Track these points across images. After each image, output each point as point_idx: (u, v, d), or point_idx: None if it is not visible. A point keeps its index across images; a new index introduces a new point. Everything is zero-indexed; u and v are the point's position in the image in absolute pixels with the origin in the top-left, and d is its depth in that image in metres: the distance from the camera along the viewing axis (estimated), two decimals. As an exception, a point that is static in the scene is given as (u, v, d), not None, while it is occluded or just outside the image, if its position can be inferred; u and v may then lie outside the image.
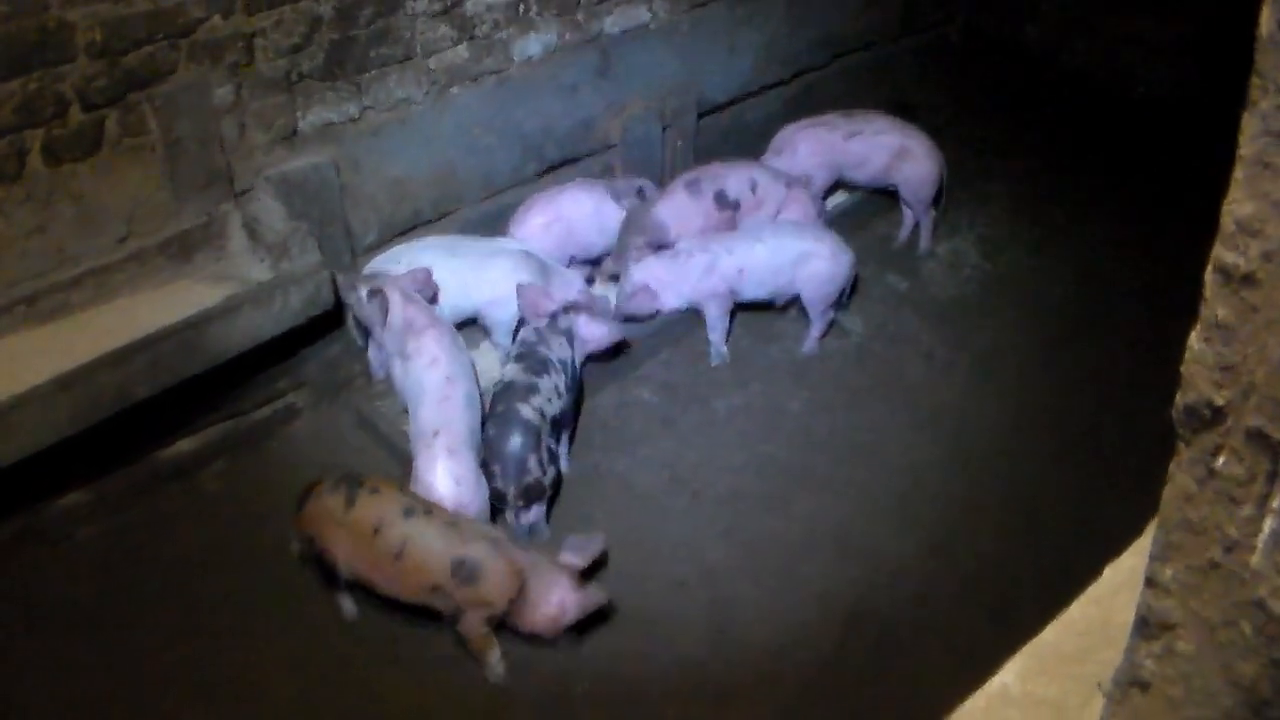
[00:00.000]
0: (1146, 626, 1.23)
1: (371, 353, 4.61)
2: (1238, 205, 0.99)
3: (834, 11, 6.09)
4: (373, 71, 4.35)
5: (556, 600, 3.55)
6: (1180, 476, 1.13)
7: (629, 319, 4.78)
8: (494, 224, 4.93)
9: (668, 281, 4.77)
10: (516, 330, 4.59)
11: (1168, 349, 1.14)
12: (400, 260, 4.45)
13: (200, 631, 3.76)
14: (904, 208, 5.66)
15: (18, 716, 3.51)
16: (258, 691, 3.61)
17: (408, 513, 3.58)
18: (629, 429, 4.61)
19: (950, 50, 7.09)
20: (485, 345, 4.75)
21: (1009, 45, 7.19)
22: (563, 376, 4.18)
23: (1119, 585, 1.73)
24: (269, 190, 4.16)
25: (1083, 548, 3.49)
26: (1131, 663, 1.26)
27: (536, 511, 4.03)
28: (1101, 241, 5.76)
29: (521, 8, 4.72)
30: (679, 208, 4.96)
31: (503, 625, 3.63)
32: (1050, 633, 1.72)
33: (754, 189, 5.11)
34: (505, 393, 4.06)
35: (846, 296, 5.06)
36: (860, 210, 5.77)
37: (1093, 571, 1.84)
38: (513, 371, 4.13)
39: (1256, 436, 1.04)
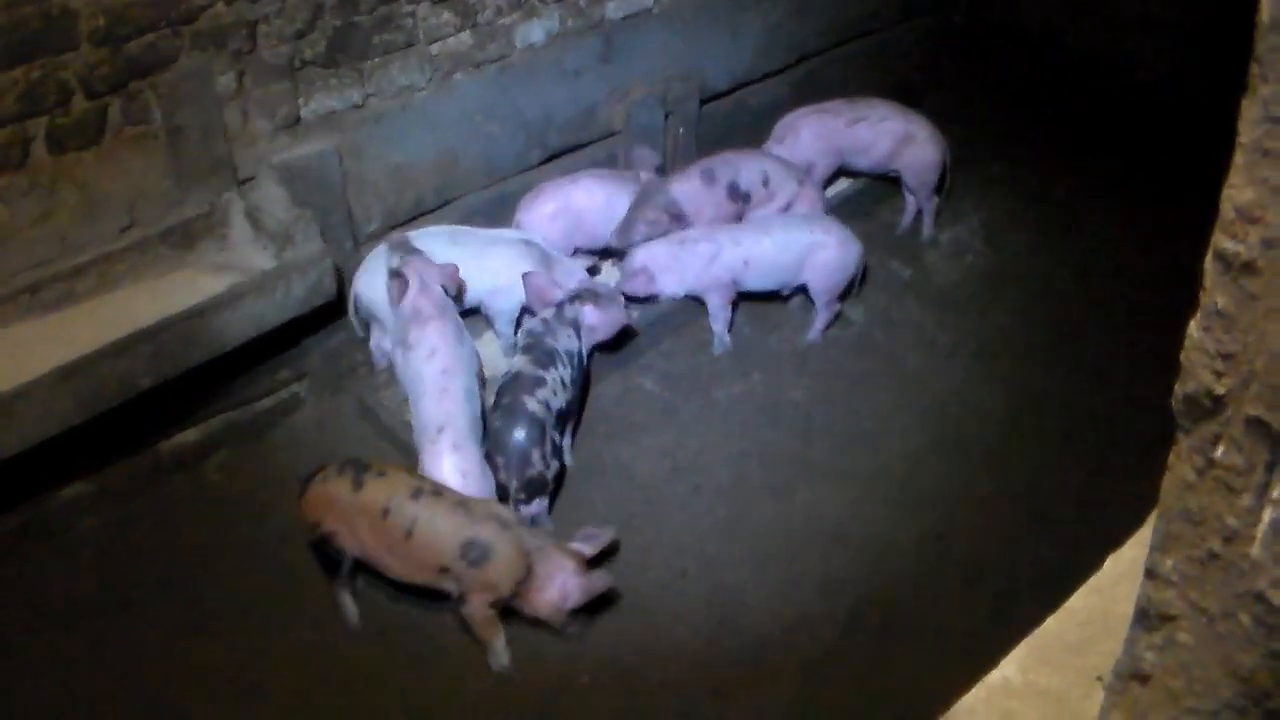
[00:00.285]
0: (1146, 618, 1.22)
1: (373, 343, 4.60)
2: (1237, 192, 0.99)
3: (837, -2, 6.07)
4: (375, 58, 4.34)
5: (560, 584, 3.56)
6: (1180, 466, 1.13)
7: (626, 299, 4.77)
8: (497, 211, 4.92)
9: (669, 266, 4.75)
10: (519, 320, 4.58)
11: (1171, 336, 1.13)
12: (401, 250, 4.44)
13: (203, 622, 3.76)
14: (906, 195, 5.64)
15: (19, 708, 3.51)
16: (260, 682, 3.61)
17: (416, 494, 3.59)
18: (631, 418, 4.61)
19: (954, 34, 7.06)
20: (488, 335, 4.75)
21: (1012, 29, 7.16)
22: (569, 369, 4.17)
23: (1120, 576, 1.72)
24: (272, 178, 4.16)
25: (1085, 537, 3.49)
26: (1131, 654, 1.26)
27: (538, 504, 4.03)
28: (1104, 227, 5.74)
29: (524, -5, 4.71)
30: (693, 193, 4.95)
31: (508, 612, 3.63)
32: (1051, 624, 1.72)
33: (766, 182, 5.09)
34: (512, 384, 4.06)
35: (856, 288, 5.04)
36: (862, 197, 5.75)
37: (1095, 561, 1.84)
38: (520, 363, 4.12)
39: (1256, 425, 1.03)
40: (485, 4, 4.59)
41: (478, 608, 3.58)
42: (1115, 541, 1.84)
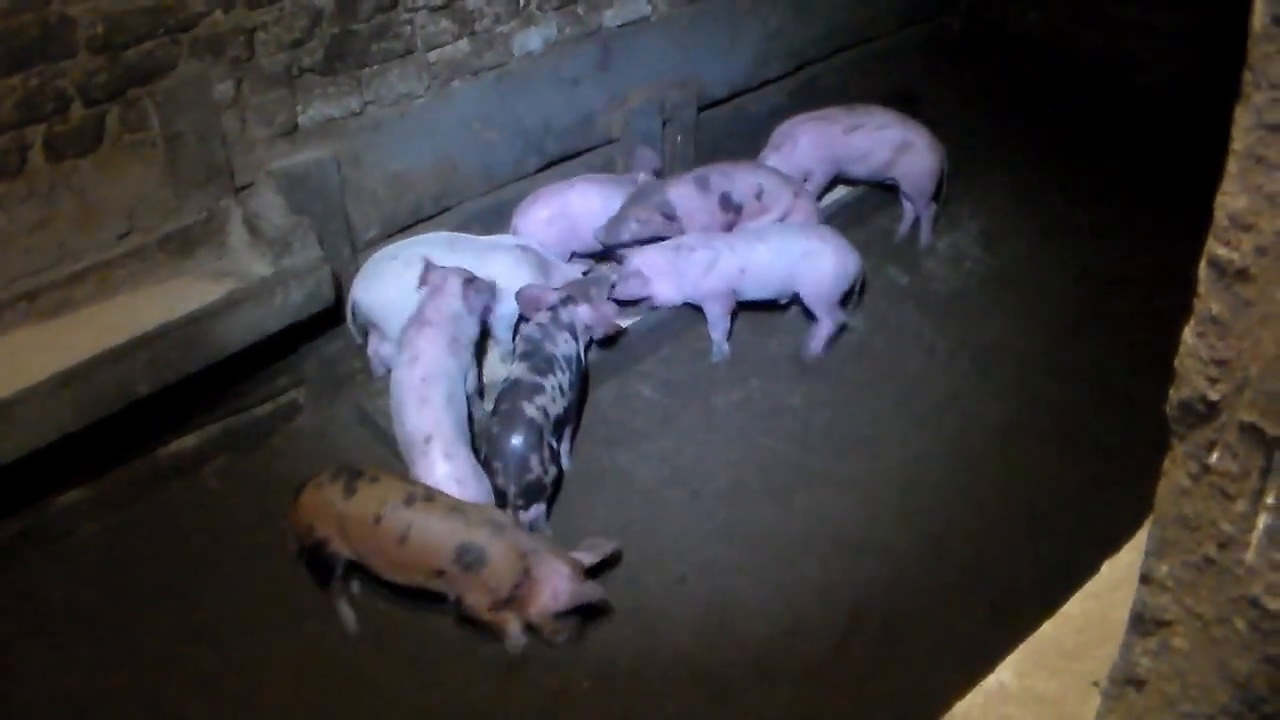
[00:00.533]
0: (1142, 623, 1.22)
1: (371, 349, 4.60)
2: (1230, 199, 0.99)
3: (835, 3, 6.07)
4: (373, 66, 4.34)
5: (551, 588, 3.56)
6: (1174, 472, 1.13)
7: (619, 303, 4.77)
8: (495, 218, 4.93)
9: (664, 273, 4.75)
10: (517, 325, 4.58)
11: (1169, 342, 1.13)
12: (398, 256, 4.44)
13: (201, 628, 3.76)
14: (904, 202, 5.65)
15: (18, 713, 3.51)
16: (259, 688, 3.61)
17: (409, 500, 3.59)
18: (630, 424, 4.61)
19: (952, 40, 7.07)
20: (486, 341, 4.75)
21: (1011, 34, 7.17)
22: (567, 374, 4.18)
23: (1117, 581, 1.72)
24: (270, 185, 4.16)
25: (1083, 542, 3.49)
26: (1127, 660, 1.26)
27: (536, 510, 4.03)
28: (1103, 233, 5.74)
29: (521, 1, 4.72)
30: (687, 199, 4.94)
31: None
32: (1048, 629, 1.72)
33: (759, 195, 5.07)
34: (510, 391, 4.06)
35: (855, 298, 5.01)
36: (860, 204, 5.76)
37: (1092, 566, 1.84)
38: (519, 370, 4.13)
39: (1250, 431, 1.03)
40: (483, 12, 4.59)
41: (476, 609, 3.58)
42: (1112, 546, 1.84)
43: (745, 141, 5.66)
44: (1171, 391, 1.10)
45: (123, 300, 3.87)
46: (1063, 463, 4.44)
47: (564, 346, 4.23)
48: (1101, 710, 1.35)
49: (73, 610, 3.80)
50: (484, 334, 4.45)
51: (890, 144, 5.45)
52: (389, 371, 4.56)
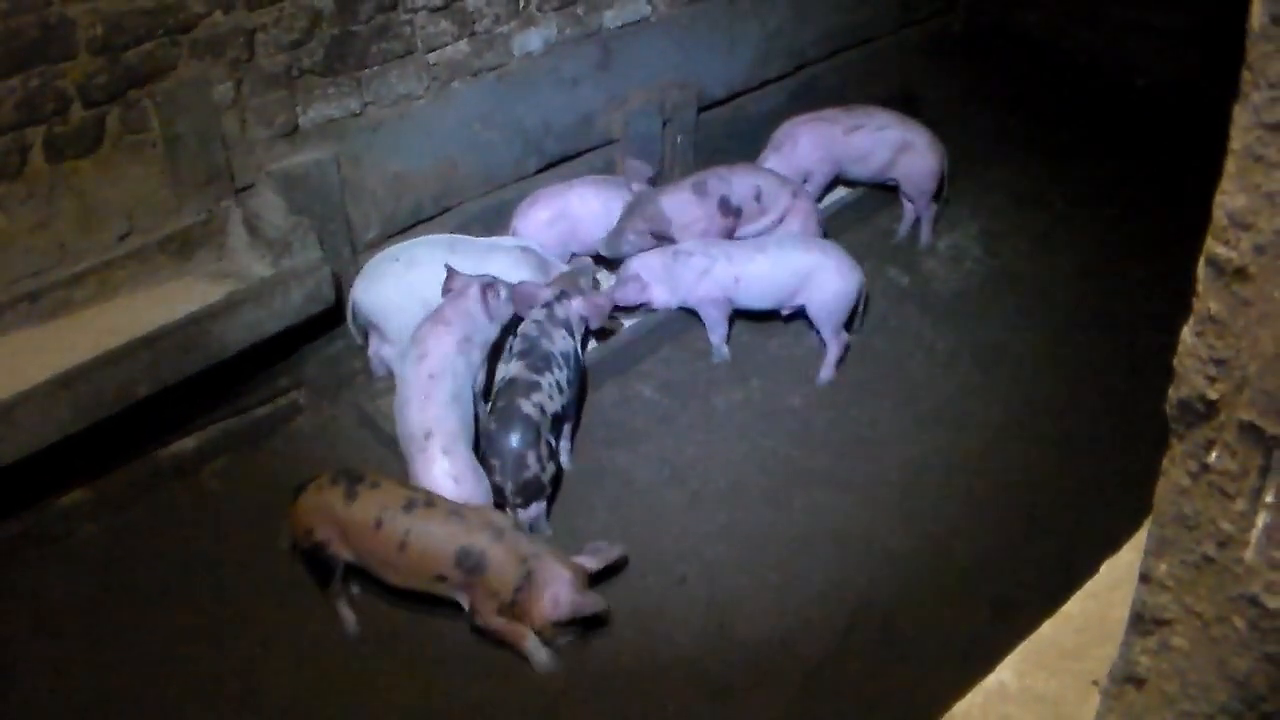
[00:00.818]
0: (1141, 622, 1.22)
1: (372, 350, 4.61)
2: (1229, 198, 0.99)
3: (835, 3, 6.08)
4: (373, 67, 4.35)
5: (552, 594, 3.54)
6: (1173, 471, 1.13)
7: (616, 307, 4.77)
8: (495, 219, 4.93)
9: (662, 277, 4.75)
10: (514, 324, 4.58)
11: (1169, 342, 1.13)
12: (399, 258, 4.44)
13: (201, 629, 3.76)
14: (904, 202, 5.64)
15: (18, 714, 3.51)
16: (258, 688, 3.61)
17: (409, 505, 3.59)
18: (630, 425, 4.61)
19: (952, 40, 7.07)
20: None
21: (1010, 34, 7.17)
22: (564, 371, 4.18)
23: (1116, 580, 1.72)
24: (270, 186, 4.16)
25: (1083, 541, 3.50)
26: (1127, 658, 1.26)
27: (536, 509, 4.03)
28: (1103, 233, 5.74)
29: (521, 2, 4.72)
30: (683, 206, 4.93)
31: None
32: (1048, 628, 1.72)
33: (758, 197, 5.06)
34: (507, 389, 4.06)
35: (861, 319, 4.97)
36: (861, 205, 5.75)
37: (1091, 566, 1.84)
38: (516, 368, 4.12)
39: (1249, 430, 1.03)
40: (483, 13, 4.60)
41: (487, 617, 3.58)
42: (1112, 546, 1.84)
43: (745, 142, 5.66)
44: (1170, 391, 1.10)
45: (123, 301, 3.88)
46: (1062, 462, 4.44)
47: (561, 343, 4.23)
48: (1101, 709, 1.35)
49: (73, 610, 3.80)
50: (504, 334, 4.43)
51: (890, 144, 5.45)
52: (389, 372, 4.58)
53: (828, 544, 4.12)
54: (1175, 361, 1.09)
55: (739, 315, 4.96)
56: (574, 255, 5.01)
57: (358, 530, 3.58)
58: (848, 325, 4.89)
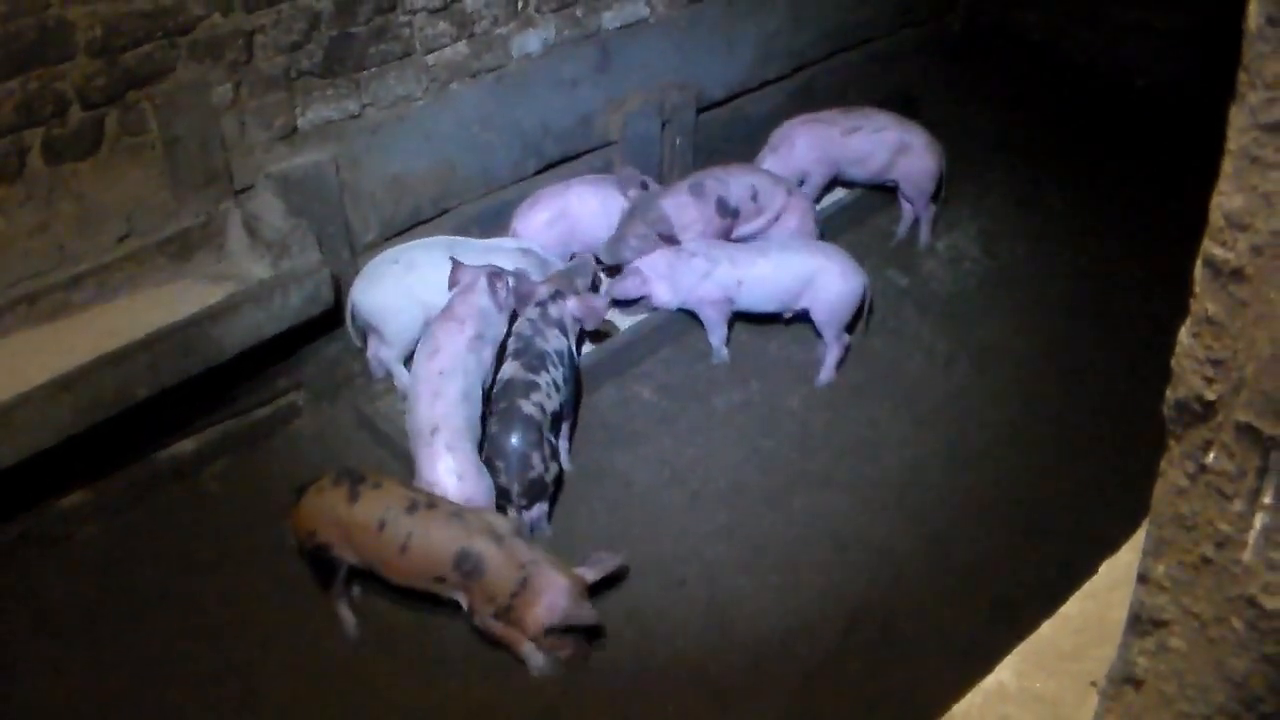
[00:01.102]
0: (1139, 623, 1.22)
1: (371, 352, 4.60)
2: (1226, 199, 0.99)
3: (833, 4, 6.08)
4: (372, 69, 4.35)
5: (547, 602, 3.53)
6: (1171, 472, 1.13)
7: (616, 301, 4.77)
8: (494, 221, 4.93)
9: (664, 275, 4.75)
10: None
11: (1167, 343, 1.13)
12: (398, 260, 4.44)
13: (201, 631, 3.76)
14: (903, 203, 5.64)
15: (18, 715, 3.51)
16: (258, 689, 3.61)
17: (411, 507, 3.59)
18: (629, 426, 4.61)
19: (951, 41, 7.07)
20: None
21: (1009, 35, 7.17)
22: (560, 369, 4.18)
23: (1115, 581, 1.73)
24: (269, 188, 4.16)
25: (1081, 542, 3.48)
26: (1125, 659, 1.26)
27: (538, 509, 4.04)
28: (1101, 234, 5.74)
29: (520, 4, 4.72)
30: (681, 207, 4.93)
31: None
32: (1047, 629, 1.72)
33: (754, 197, 5.05)
34: (505, 390, 4.07)
35: (865, 323, 4.96)
36: (859, 206, 5.75)
37: (1091, 567, 1.84)
38: (511, 369, 4.13)
39: (1246, 431, 1.03)
40: (481, 14, 4.60)
41: (485, 620, 3.58)
42: (1110, 547, 1.84)
43: (744, 143, 5.66)
44: (1168, 392, 1.10)
45: (122, 303, 3.88)
46: (1061, 463, 4.44)
47: (555, 342, 4.23)
48: (1099, 710, 1.35)
49: (73, 612, 3.80)
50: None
51: (889, 146, 5.45)
52: (388, 374, 4.58)
53: (827, 545, 4.12)
54: (1172, 362, 1.09)
55: (739, 317, 4.96)
56: (574, 255, 5.00)
57: (360, 532, 3.58)
58: (852, 327, 4.89)
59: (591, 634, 3.70)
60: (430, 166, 4.68)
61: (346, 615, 3.77)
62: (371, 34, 4.28)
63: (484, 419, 4.11)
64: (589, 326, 4.47)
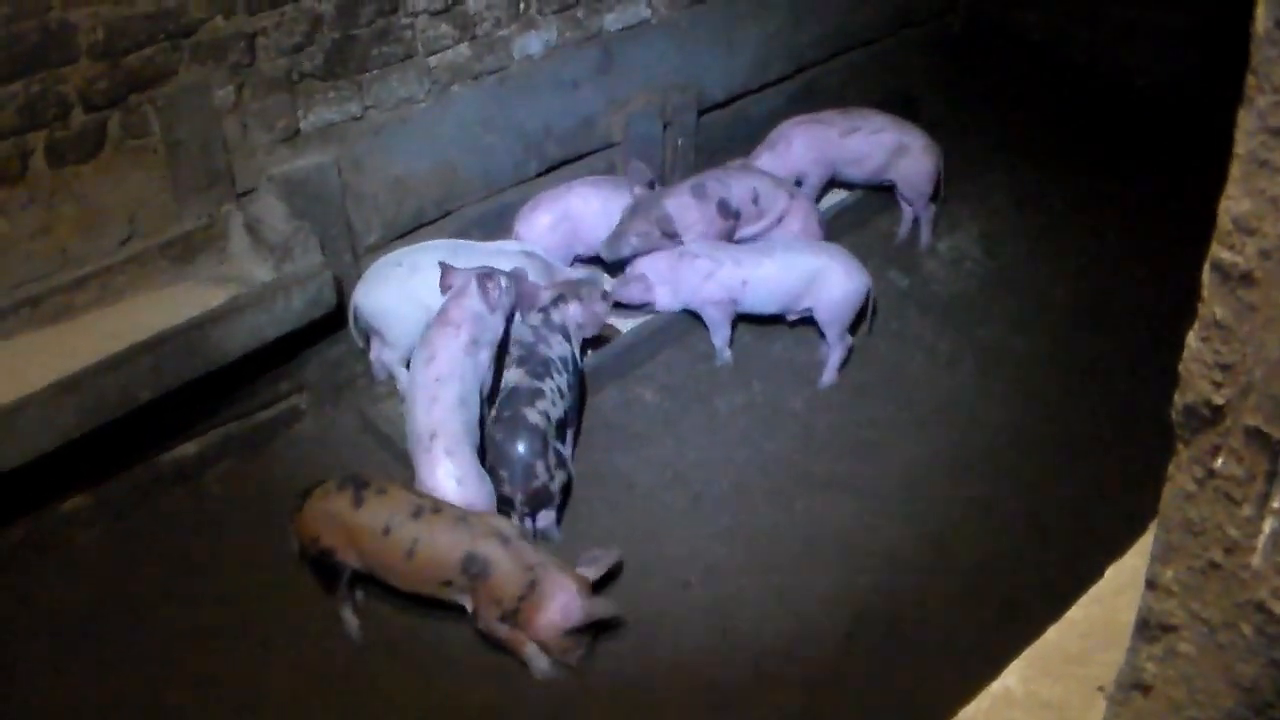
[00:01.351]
0: (1147, 628, 1.22)
1: (373, 354, 4.60)
2: (1234, 203, 0.99)
3: (834, 5, 6.07)
4: (374, 71, 4.35)
5: (561, 604, 3.52)
6: (1179, 476, 1.12)
7: (620, 305, 4.77)
8: (496, 223, 4.93)
9: (667, 278, 4.75)
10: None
11: (1172, 343, 1.13)
12: (401, 262, 4.44)
13: (203, 634, 3.76)
14: (902, 204, 5.64)
15: (19, 718, 3.51)
16: (260, 693, 3.61)
17: (417, 512, 3.58)
18: (631, 428, 4.61)
19: (951, 42, 7.07)
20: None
21: (1010, 36, 7.16)
22: (564, 376, 4.17)
23: (1121, 586, 1.72)
24: (271, 191, 4.16)
25: (1087, 546, 3.48)
26: (1133, 665, 1.26)
27: (546, 517, 4.03)
28: (1103, 235, 5.74)
29: (522, 5, 4.72)
30: (684, 208, 4.93)
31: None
32: (1053, 634, 1.71)
33: (756, 200, 5.06)
34: (510, 398, 4.06)
35: (869, 324, 4.95)
36: (860, 207, 5.75)
37: (1096, 571, 1.83)
38: (516, 376, 4.12)
39: (1255, 436, 1.03)
40: (483, 16, 4.60)
41: (489, 623, 3.58)
42: (1116, 551, 1.83)
43: (746, 144, 5.65)
44: (1175, 396, 1.10)
45: (124, 306, 3.87)
46: (1066, 466, 4.43)
47: (558, 348, 4.23)
48: (1107, 716, 1.34)
49: (75, 616, 3.80)
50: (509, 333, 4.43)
51: (886, 147, 5.45)
52: (391, 377, 4.58)
53: (830, 547, 4.12)
54: (1180, 366, 1.09)
55: (741, 319, 4.96)
56: (577, 257, 5.00)
57: (366, 537, 3.58)
58: (855, 328, 4.88)
59: (602, 630, 3.69)
60: (432, 168, 4.67)
61: (349, 618, 3.76)
62: (373, 36, 4.28)
63: (482, 422, 4.11)
64: (589, 334, 4.46)
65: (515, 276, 4.33)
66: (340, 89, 4.27)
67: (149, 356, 3.71)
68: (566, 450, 4.21)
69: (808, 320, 4.88)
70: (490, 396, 4.23)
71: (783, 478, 4.40)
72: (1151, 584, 1.19)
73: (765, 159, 5.39)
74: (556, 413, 4.07)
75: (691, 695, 3.63)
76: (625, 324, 4.91)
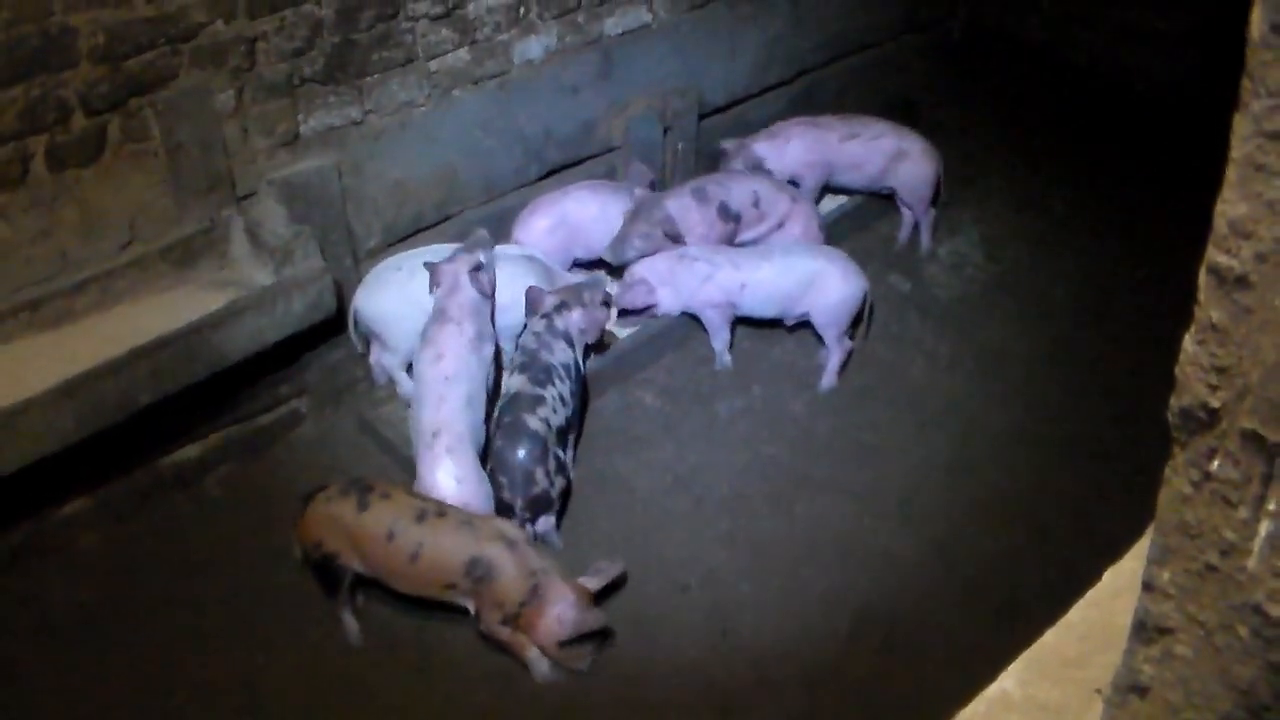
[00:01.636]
0: (1144, 630, 1.22)
1: (373, 358, 4.61)
2: (1230, 206, 0.99)
3: (835, 10, 6.08)
4: (374, 75, 4.35)
5: (556, 614, 3.53)
6: (1176, 479, 1.13)
7: (624, 312, 4.77)
8: (496, 227, 4.93)
9: (667, 280, 4.75)
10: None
11: (1173, 347, 1.13)
12: (401, 267, 4.44)
13: (204, 637, 3.76)
14: (902, 208, 5.64)
15: (22, 723, 3.52)
16: (261, 697, 3.61)
17: (420, 516, 3.59)
18: (631, 432, 4.61)
19: (952, 47, 7.07)
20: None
21: (1010, 41, 7.16)
22: (566, 383, 4.17)
23: (1119, 588, 1.72)
24: (271, 195, 4.16)
25: (1085, 549, 3.49)
26: (1130, 667, 1.26)
27: (545, 522, 4.03)
28: (1103, 239, 5.74)
29: (522, 10, 4.72)
30: (685, 210, 4.93)
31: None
32: (1050, 637, 1.71)
33: (756, 203, 5.07)
34: (511, 404, 4.06)
35: (866, 328, 4.95)
36: (861, 212, 5.75)
37: (1094, 574, 1.84)
38: (518, 383, 4.11)
39: (1251, 439, 1.03)
40: (484, 21, 4.60)
41: (491, 626, 3.59)
42: (1114, 553, 1.83)
43: (746, 149, 5.66)
44: (1172, 399, 1.10)
45: (124, 310, 3.88)
46: (1065, 469, 4.43)
47: (561, 355, 4.23)
48: (1105, 718, 1.34)
49: (75, 619, 3.80)
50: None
51: (885, 153, 5.46)
52: (391, 380, 4.58)
53: (830, 551, 4.12)
54: (1177, 369, 1.09)
55: (741, 322, 4.96)
56: (576, 261, 5.00)
57: (369, 542, 3.58)
58: (853, 332, 4.88)
59: (599, 639, 3.69)
60: (432, 173, 4.68)
61: (350, 622, 3.77)
62: (374, 40, 4.29)
63: (487, 418, 4.11)
64: (590, 339, 4.45)
65: (486, 241, 4.35)
66: (340, 93, 4.28)
67: (149, 360, 3.71)
68: (567, 456, 4.21)
69: (807, 324, 4.88)
70: (491, 393, 4.24)
71: (783, 481, 4.40)
72: (1148, 586, 1.19)
73: (763, 144, 5.40)
74: (558, 420, 4.08)
75: (691, 698, 3.63)
76: (625, 330, 4.91)
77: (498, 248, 4.73)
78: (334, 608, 3.76)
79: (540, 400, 4.04)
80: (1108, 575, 1.78)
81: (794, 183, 5.42)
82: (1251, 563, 1.07)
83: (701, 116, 5.62)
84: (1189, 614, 1.16)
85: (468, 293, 4.18)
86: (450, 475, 3.83)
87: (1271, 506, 1.04)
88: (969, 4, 7.09)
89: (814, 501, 4.31)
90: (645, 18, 5.24)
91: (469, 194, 4.87)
